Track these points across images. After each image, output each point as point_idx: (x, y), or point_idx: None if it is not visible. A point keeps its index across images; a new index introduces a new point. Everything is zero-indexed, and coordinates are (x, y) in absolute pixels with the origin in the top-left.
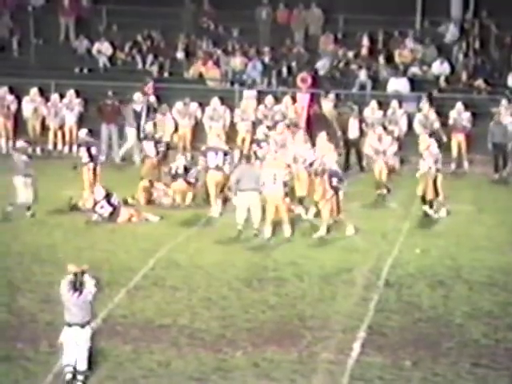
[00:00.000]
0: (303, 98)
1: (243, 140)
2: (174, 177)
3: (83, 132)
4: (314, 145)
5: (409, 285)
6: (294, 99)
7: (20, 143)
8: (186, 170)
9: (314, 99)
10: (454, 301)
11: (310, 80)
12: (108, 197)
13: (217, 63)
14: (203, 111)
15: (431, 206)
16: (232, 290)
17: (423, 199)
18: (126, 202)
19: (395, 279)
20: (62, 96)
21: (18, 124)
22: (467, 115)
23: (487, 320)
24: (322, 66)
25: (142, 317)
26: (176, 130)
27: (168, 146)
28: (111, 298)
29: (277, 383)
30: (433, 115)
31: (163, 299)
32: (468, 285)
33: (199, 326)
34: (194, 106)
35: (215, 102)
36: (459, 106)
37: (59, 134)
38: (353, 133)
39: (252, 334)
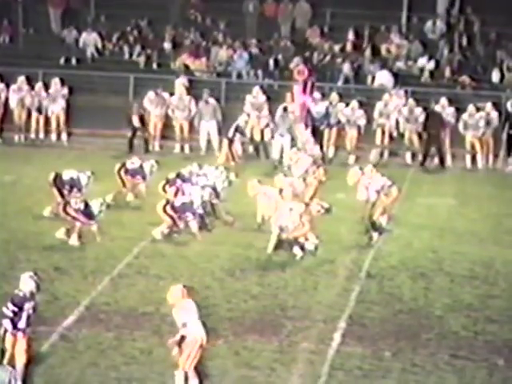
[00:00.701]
0: (300, 90)
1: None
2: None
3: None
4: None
5: (390, 276)
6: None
7: None
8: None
9: (312, 91)
10: (434, 293)
11: (306, 72)
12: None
13: (203, 55)
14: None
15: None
16: (215, 280)
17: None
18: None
19: (377, 271)
20: (47, 85)
21: (7, 112)
22: (451, 110)
23: (467, 312)
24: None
25: (125, 305)
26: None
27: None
28: (95, 285)
29: (257, 372)
30: (418, 110)
31: (146, 288)
32: (449, 277)
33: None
34: (166, 95)
35: (181, 91)
36: (443, 100)
37: (41, 122)
38: None
39: (233, 323)
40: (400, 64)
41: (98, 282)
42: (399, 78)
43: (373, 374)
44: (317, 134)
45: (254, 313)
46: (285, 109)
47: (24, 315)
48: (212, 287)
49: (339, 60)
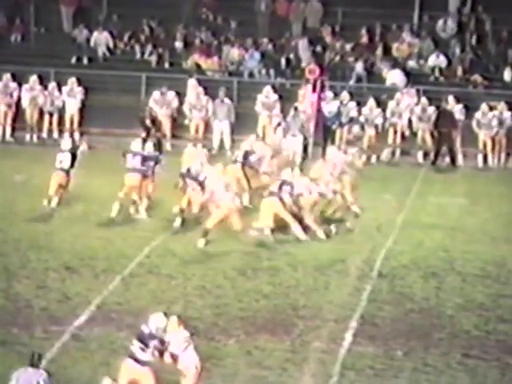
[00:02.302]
0: (310, 89)
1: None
2: None
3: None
4: None
5: (402, 276)
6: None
7: None
8: None
9: (323, 90)
10: (446, 292)
11: (317, 71)
12: None
13: (215, 54)
14: (182, 100)
15: None
16: (226, 279)
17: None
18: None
19: (388, 270)
20: (60, 85)
21: (19, 111)
22: (459, 107)
23: (479, 311)
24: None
25: (137, 304)
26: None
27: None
28: (106, 285)
29: (269, 371)
30: (431, 109)
31: (158, 287)
32: (461, 276)
33: (193, 314)
34: (171, 94)
35: (198, 90)
36: (451, 98)
37: (55, 122)
38: None
39: (245, 323)
40: (412, 63)
41: (110, 281)
42: (411, 77)
43: (384, 373)
44: (329, 134)
45: (265, 312)
46: (295, 108)
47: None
48: (223, 286)
49: (351, 59)
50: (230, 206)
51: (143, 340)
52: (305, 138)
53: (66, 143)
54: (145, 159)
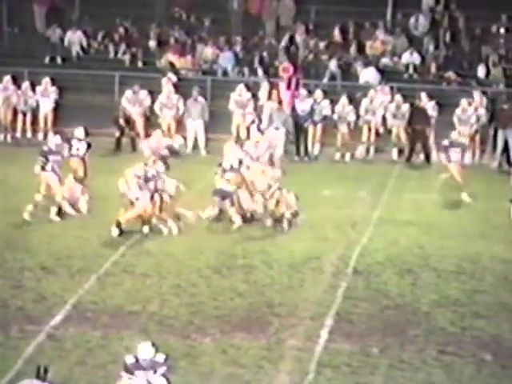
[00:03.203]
0: (284, 87)
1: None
2: None
3: None
4: None
5: (377, 273)
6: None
7: None
8: None
9: (295, 88)
10: (421, 289)
11: (291, 69)
12: None
13: (188, 53)
14: (155, 99)
15: None
16: (201, 277)
17: None
18: None
19: (363, 267)
20: (33, 84)
21: None
22: (432, 104)
23: (454, 308)
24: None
25: (112, 303)
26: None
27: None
28: (82, 284)
29: (244, 369)
30: (405, 106)
31: (133, 286)
32: (436, 273)
33: (168, 312)
34: (143, 93)
35: (169, 89)
36: (424, 95)
37: (28, 121)
38: None
39: (220, 321)
40: (385, 60)
41: (85, 280)
42: (385, 75)
43: (360, 370)
44: (301, 132)
45: (240, 310)
46: (279, 102)
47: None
48: (198, 285)
49: (324, 57)
50: (145, 206)
51: (131, 371)
52: (288, 132)
53: (80, 132)
54: None
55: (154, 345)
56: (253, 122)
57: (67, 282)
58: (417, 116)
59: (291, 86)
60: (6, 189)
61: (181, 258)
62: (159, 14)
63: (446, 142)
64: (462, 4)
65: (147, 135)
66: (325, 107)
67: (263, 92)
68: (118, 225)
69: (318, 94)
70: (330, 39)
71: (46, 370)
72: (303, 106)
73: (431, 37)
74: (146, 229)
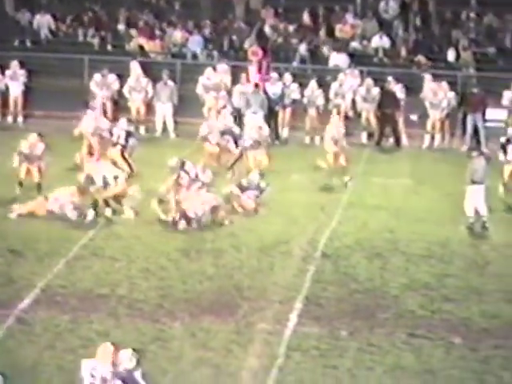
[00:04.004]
0: (254, 71)
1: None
2: None
3: None
4: None
5: (346, 256)
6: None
7: None
8: None
9: (265, 72)
10: (390, 272)
11: (260, 52)
12: None
13: (158, 36)
14: (125, 82)
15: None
16: (170, 261)
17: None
18: None
19: (332, 251)
20: (3, 67)
21: None
22: (399, 87)
23: (424, 291)
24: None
25: (81, 287)
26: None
27: None
28: (51, 268)
29: (214, 353)
30: (375, 90)
31: (102, 269)
32: (405, 257)
33: (138, 296)
34: (112, 77)
35: (138, 73)
36: (390, 79)
37: None
38: None
39: (190, 305)
40: (355, 44)
41: (54, 264)
42: (354, 58)
43: (329, 353)
44: (272, 115)
45: (209, 294)
46: (256, 85)
47: None
48: (167, 268)
49: (294, 40)
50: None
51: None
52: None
53: (124, 122)
54: None
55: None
56: (225, 106)
57: (36, 266)
58: (386, 100)
59: (262, 69)
60: None
61: (150, 241)
62: None
63: (503, 139)
64: None
65: (115, 119)
66: (294, 91)
67: (228, 76)
68: (95, 205)
69: (287, 77)
70: (299, 23)
71: None
72: (274, 89)
73: (401, 20)
74: (108, 211)
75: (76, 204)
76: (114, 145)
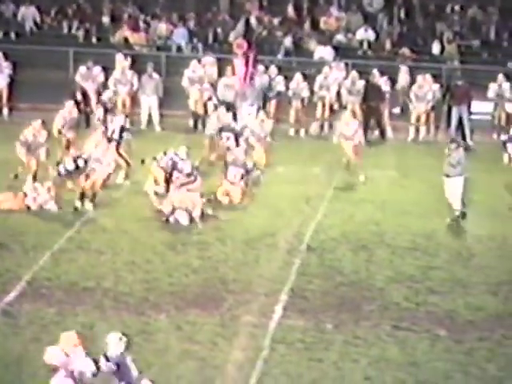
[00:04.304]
0: (240, 64)
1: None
2: None
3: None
4: None
5: (331, 249)
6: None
7: None
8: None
9: (252, 64)
10: (376, 265)
11: (245, 45)
12: None
13: (142, 29)
14: (109, 75)
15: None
16: (156, 254)
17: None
18: None
19: (318, 244)
20: None
21: None
22: (384, 79)
23: (409, 284)
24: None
25: (67, 279)
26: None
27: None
28: (36, 260)
29: (199, 346)
30: (361, 83)
31: (87, 262)
32: (391, 249)
33: (123, 289)
34: (97, 69)
35: (123, 65)
36: (375, 71)
37: None
38: None
39: (175, 298)
40: (340, 37)
41: (40, 257)
42: (339, 51)
43: (315, 346)
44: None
45: (195, 287)
46: (251, 78)
47: None
48: (153, 261)
49: (279, 33)
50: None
51: None
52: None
53: (121, 119)
54: None
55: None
56: (210, 98)
57: (21, 258)
58: (371, 92)
59: (249, 62)
60: None
61: (135, 234)
62: None
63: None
64: None
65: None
66: (279, 83)
67: (214, 68)
68: (82, 196)
69: (273, 69)
70: (283, 15)
71: None
72: (261, 82)
73: (386, 13)
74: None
75: (55, 198)
76: (109, 140)
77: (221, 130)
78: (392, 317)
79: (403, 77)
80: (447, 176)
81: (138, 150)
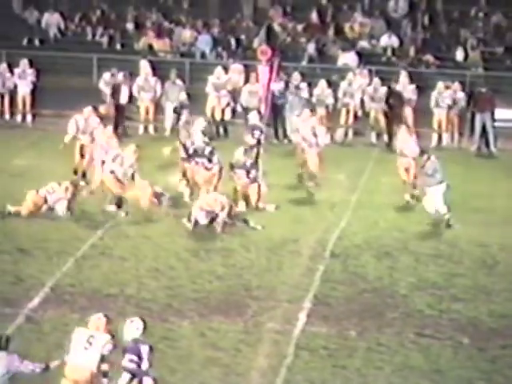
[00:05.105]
0: (264, 71)
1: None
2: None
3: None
4: None
5: (355, 256)
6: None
7: None
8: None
9: (276, 72)
10: (399, 272)
11: (269, 52)
12: None
13: (166, 35)
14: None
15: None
16: (180, 261)
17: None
18: None
19: (341, 250)
20: (11, 66)
21: None
22: (412, 87)
23: (432, 291)
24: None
25: (90, 286)
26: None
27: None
28: (59, 267)
29: (223, 353)
30: (383, 89)
31: (111, 269)
32: (414, 256)
33: (146, 295)
34: (121, 76)
35: (147, 72)
36: (403, 78)
37: (6, 103)
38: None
39: (199, 304)
40: (364, 43)
41: (63, 263)
42: (363, 57)
43: (338, 353)
44: (279, 114)
45: (218, 293)
46: (297, 87)
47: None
48: (177, 268)
49: (302, 39)
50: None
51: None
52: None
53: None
54: None
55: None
56: (228, 104)
57: (45, 265)
58: (393, 99)
59: (273, 69)
60: None
61: (159, 241)
62: None
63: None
64: None
65: (126, 118)
66: (303, 90)
67: (240, 75)
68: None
69: (296, 76)
70: (307, 22)
71: (7, 340)
72: (278, 87)
73: (409, 20)
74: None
75: (69, 199)
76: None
77: (253, 128)
78: (415, 324)
79: (402, 80)
80: (428, 187)
81: (162, 156)
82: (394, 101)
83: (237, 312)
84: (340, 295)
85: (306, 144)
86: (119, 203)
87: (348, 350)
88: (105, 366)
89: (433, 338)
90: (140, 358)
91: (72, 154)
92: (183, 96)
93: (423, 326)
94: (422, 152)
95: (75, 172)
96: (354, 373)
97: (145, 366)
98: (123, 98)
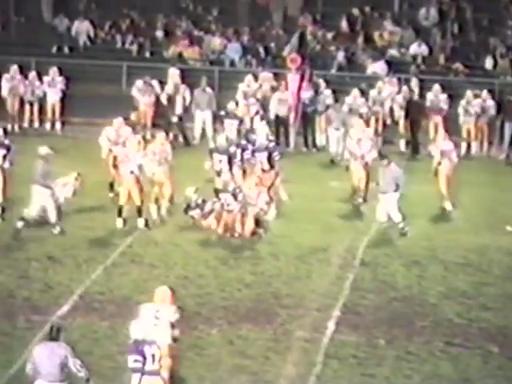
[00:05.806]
0: (293, 79)
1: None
2: None
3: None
4: None
5: (384, 264)
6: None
7: None
8: None
9: (311, 79)
10: (428, 280)
11: (299, 60)
12: None
13: (196, 43)
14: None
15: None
16: (209, 268)
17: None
18: None
19: (371, 259)
20: (41, 74)
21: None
22: (444, 97)
23: (461, 300)
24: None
25: (119, 293)
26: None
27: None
28: (89, 274)
29: (251, 360)
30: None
31: (140, 276)
32: (443, 265)
33: (175, 303)
34: (155, 83)
35: (176, 79)
36: (436, 87)
37: (36, 111)
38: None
39: (227, 312)
40: (393, 51)
41: (92, 270)
42: (392, 66)
43: (367, 362)
44: (309, 121)
45: (247, 301)
46: (336, 101)
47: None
48: (206, 276)
49: (332, 48)
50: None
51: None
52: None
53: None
54: None
55: None
56: (257, 112)
57: (74, 272)
58: (413, 108)
59: (304, 77)
60: (13, 178)
61: (188, 248)
62: (166, 4)
63: None
64: None
65: (154, 125)
66: (327, 96)
67: (269, 84)
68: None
69: (321, 83)
70: (337, 30)
71: (58, 330)
72: (307, 95)
73: (439, 28)
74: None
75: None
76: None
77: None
78: (444, 333)
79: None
80: (383, 193)
81: (191, 165)
82: (413, 111)
83: (266, 320)
84: (369, 304)
85: (352, 157)
86: (140, 213)
87: (377, 358)
88: (176, 332)
89: (462, 347)
90: (144, 357)
91: (101, 160)
92: (232, 105)
93: (452, 335)
94: (383, 157)
95: (111, 185)
96: (383, 381)
97: (149, 365)
98: (178, 109)
